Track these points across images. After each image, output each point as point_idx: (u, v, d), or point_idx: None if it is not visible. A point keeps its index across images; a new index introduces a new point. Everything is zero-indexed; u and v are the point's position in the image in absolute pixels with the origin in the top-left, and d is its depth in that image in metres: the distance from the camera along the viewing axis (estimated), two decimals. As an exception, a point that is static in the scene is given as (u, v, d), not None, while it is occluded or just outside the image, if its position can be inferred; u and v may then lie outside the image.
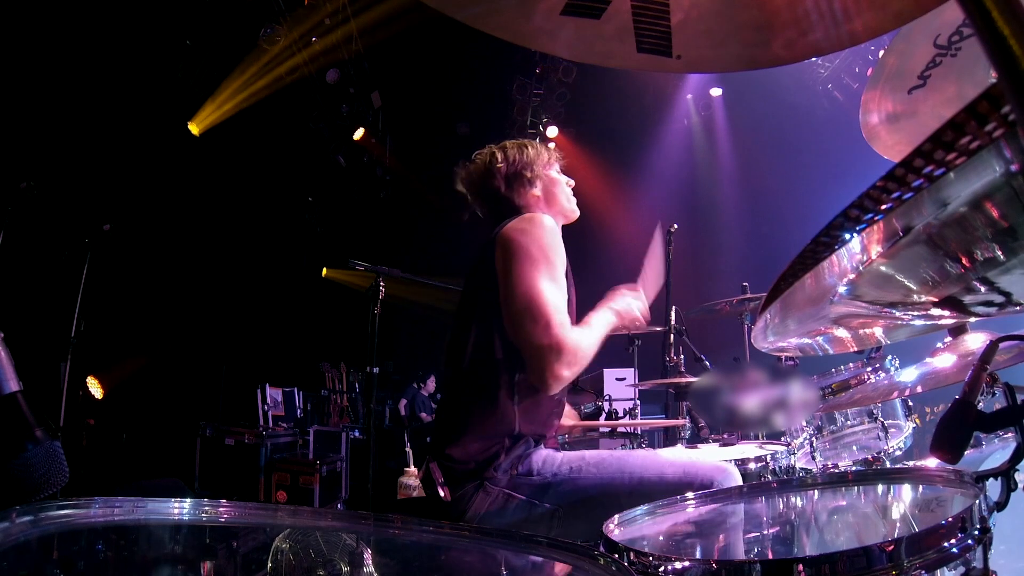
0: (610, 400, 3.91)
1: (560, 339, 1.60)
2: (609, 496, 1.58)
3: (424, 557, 0.90)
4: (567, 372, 1.61)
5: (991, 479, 0.83)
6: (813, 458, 2.11)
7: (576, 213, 2.03)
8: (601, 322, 1.77)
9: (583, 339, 1.67)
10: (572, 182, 2.04)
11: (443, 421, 1.80)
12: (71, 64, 4.39)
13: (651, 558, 0.82)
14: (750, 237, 7.59)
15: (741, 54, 0.73)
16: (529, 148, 2.00)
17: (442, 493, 1.64)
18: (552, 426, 1.83)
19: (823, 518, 1.20)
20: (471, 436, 1.68)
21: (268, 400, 6.01)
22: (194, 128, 5.64)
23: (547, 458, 1.69)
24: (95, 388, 4.58)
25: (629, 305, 1.83)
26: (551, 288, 1.65)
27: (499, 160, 1.97)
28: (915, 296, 0.63)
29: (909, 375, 1.51)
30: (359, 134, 7.13)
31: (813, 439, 2.16)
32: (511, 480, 1.64)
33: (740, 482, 1.25)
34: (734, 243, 7.80)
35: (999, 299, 0.58)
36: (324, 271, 7.59)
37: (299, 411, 6.60)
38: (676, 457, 1.65)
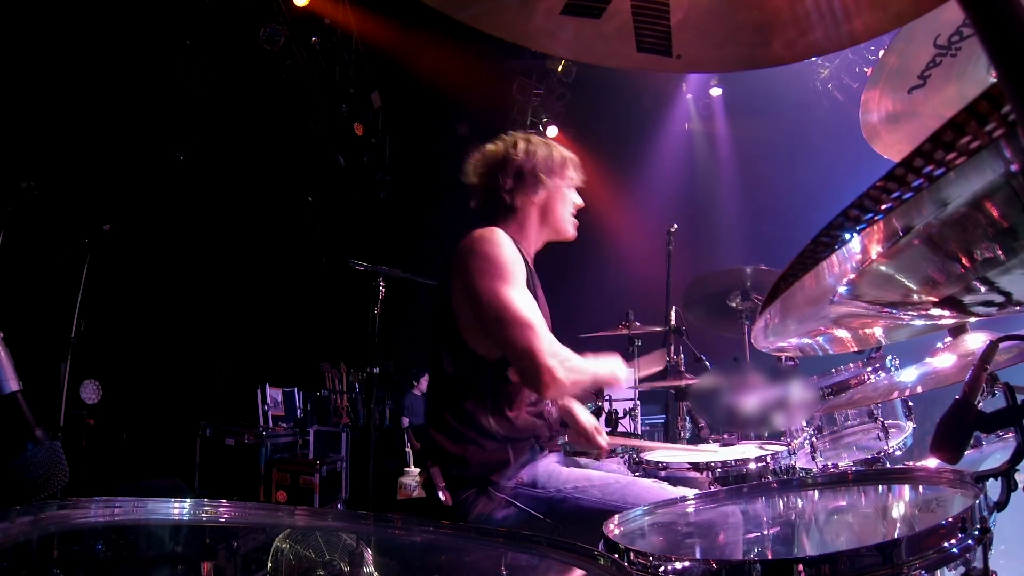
0: (610, 400, 3.91)
1: (545, 341, 1.57)
2: None
3: (424, 557, 0.90)
4: (561, 373, 1.56)
5: (991, 479, 0.83)
6: (813, 458, 2.11)
7: (571, 235, 1.94)
8: (588, 361, 1.71)
9: (571, 355, 1.64)
10: (581, 203, 1.95)
11: (434, 425, 1.75)
12: (71, 64, 4.38)
13: (651, 558, 0.82)
14: (750, 237, 7.59)
15: (741, 54, 0.73)
16: (553, 151, 1.88)
17: (443, 497, 1.62)
18: (540, 429, 1.79)
19: (823, 518, 1.20)
20: (468, 441, 1.66)
21: (268, 400, 6.00)
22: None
23: (552, 472, 1.66)
24: (91, 394, 4.57)
25: (613, 370, 1.76)
26: (520, 295, 1.62)
27: (519, 151, 1.83)
28: (915, 296, 0.63)
29: (909, 375, 1.51)
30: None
31: (813, 439, 2.16)
32: (514, 489, 1.63)
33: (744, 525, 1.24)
34: (734, 243, 7.80)
35: (999, 299, 0.58)
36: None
37: (299, 411, 6.59)
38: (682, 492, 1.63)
